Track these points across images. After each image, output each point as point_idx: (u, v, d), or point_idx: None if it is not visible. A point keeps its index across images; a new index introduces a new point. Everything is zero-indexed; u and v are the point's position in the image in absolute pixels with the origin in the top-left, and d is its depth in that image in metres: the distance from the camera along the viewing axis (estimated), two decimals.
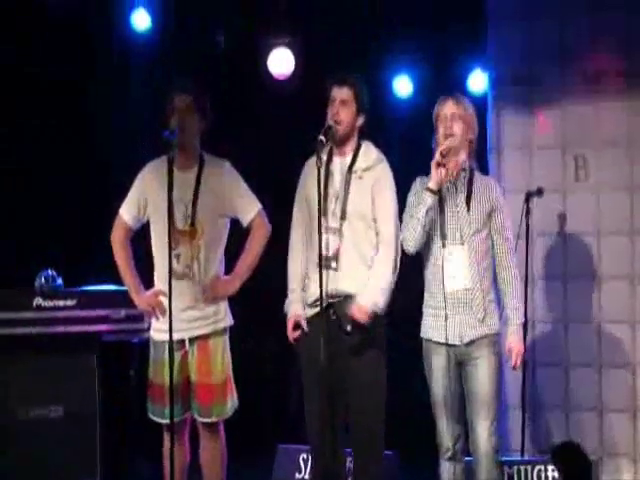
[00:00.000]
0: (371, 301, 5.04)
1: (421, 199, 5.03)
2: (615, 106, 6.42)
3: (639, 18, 6.33)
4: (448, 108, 5.09)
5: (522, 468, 5.84)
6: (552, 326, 6.50)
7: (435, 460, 5.15)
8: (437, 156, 5.00)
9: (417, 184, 5.17)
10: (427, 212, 5.00)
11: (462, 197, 5.07)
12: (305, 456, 5.96)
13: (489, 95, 6.77)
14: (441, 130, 5.08)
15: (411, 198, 5.15)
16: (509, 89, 6.68)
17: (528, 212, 6.30)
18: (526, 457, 6.16)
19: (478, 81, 6.96)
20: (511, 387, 6.39)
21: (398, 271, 5.12)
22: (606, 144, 6.43)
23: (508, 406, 6.38)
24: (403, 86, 7.16)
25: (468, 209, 5.06)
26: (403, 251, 5.11)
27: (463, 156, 5.10)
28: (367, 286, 5.06)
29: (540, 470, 5.83)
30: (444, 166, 5.00)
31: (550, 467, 5.81)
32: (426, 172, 5.20)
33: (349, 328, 5.02)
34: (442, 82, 6.84)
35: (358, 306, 5.03)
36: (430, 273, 5.10)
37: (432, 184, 5.01)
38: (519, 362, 5.09)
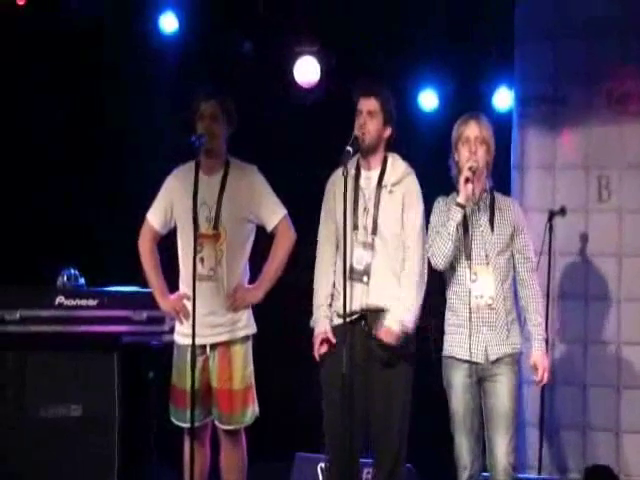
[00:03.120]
0: (398, 321, 5.05)
1: (448, 216, 5.05)
2: (638, 127, 6.44)
3: None
4: (472, 131, 5.10)
5: None
6: (571, 346, 6.51)
7: (450, 475, 5.16)
8: (466, 172, 5.02)
9: (440, 204, 5.19)
10: (457, 228, 5.03)
11: (485, 218, 5.10)
12: (323, 465, 5.96)
13: (514, 113, 6.79)
14: (465, 153, 5.09)
15: (435, 217, 5.16)
16: (534, 108, 6.71)
17: (551, 231, 6.32)
18: (543, 475, 6.17)
19: (503, 98, 6.97)
20: (528, 405, 6.40)
21: (425, 286, 5.14)
22: (629, 166, 6.47)
23: (525, 424, 6.39)
24: (428, 100, 7.17)
25: (492, 230, 5.09)
26: (431, 267, 5.13)
27: (484, 177, 5.13)
28: (393, 306, 5.07)
29: None
30: (473, 182, 5.02)
31: None
32: (449, 187, 5.24)
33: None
34: (467, 97, 6.86)
35: (386, 329, 5.05)
36: (454, 292, 5.12)
37: (462, 199, 5.03)
38: (546, 378, 5.11)
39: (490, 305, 5.04)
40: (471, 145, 5.07)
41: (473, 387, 5.05)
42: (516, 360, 5.09)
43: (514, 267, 5.14)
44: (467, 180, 5.02)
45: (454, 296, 5.12)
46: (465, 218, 5.06)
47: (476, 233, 5.08)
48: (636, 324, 6.36)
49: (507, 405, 5.01)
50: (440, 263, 5.07)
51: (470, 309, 5.04)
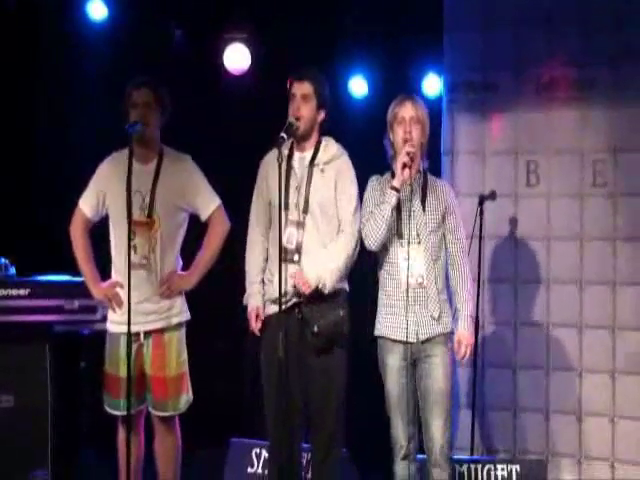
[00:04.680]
0: (316, 275, 5.07)
1: (383, 199, 5.09)
2: (566, 115, 6.54)
3: (591, 30, 6.45)
4: (407, 111, 5.16)
5: (472, 467, 5.95)
6: (501, 328, 6.59)
7: (384, 459, 5.21)
8: (405, 157, 5.06)
9: (374, 182, 5.24)
10: (392, 211, 5.07)
11: (417, 198, 5.15)
12: (258, 451, 5.98)
13: (444, 100, 6.84)
14: (400, 132, 5.14)
15: (368, 195, 5.21)
16: (464, 94, 6.76)
17: (482, 215, 6.39)
18: (476, 456, 6.26)
19: (432, 85, 7.03)
20: (459, 387, 6.47)
21: (354, 261, 5.19)
22: (557, 151, 6.55)
23: (456, 406, 6.44)
24: (358, 86, 7.20)
25: (424, 210, 5.14)
26: (363, 247, 5.17)
27: (418, 158, 5.18)
28: (317, 262, 5.09)
29: (490, 469, 5.95)
30: (410, 167, 5.06)
31: (500, 466, 5.93)
32: (380, 171, 5.28)
33: (316, 329, 5.06)
34: (397, 84, 6.90)
35: (301, 275, 5.07)
36: (386, 272, 5.18)
37: (397, 183, 5.08)
38: (468, 353, 5.17)
39: (421, 284, 5.09)
40: (406, 125, 5.12)
41: (408, 369, 5.10)
42: (448, 339, 5.15)
43: (445, 248, 5.20)
44: (404, 165, 5.05)
45: (386, 275, 5.17)
46: (398, 199, 5.10)
47: (408, 213, 5.12)
48: (564, 306, 6.46)
49: (442, 385, 5.08)
50: (373, 244, 5.11)
51: (402, 288, 5.08)
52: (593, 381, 6.36)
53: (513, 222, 6.61)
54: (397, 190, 5.08)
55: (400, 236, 5.12)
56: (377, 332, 5.18)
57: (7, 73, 6.71)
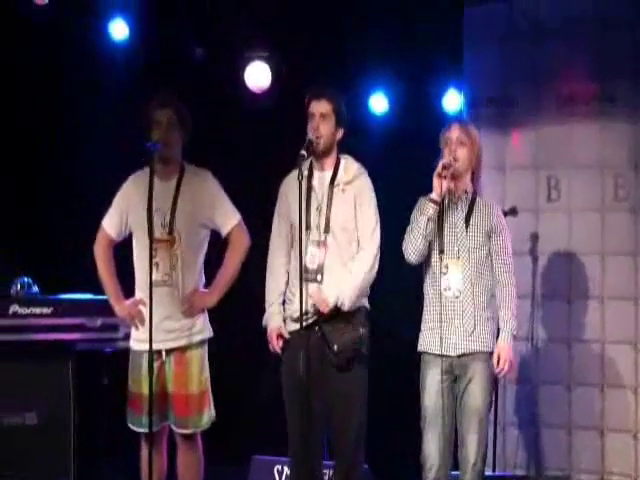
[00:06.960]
0: (335, 294, 5.09)
1: (421, 211, 5.12)
2: (587, 128, 6.53)
3: (612, 43, 6.45)
4: (454, 132, 5.19)
5: None
6: (521, 343, 6.47)
7: (406, 475, 5.20)
8: (439, 167, 5.08)
9: (420, 202, 5.24)
10: (428, 222, 5.08)
11: (461, 216, 5.17)
12: (280, 467, 6.00)
13: (464, 115, 6.84)
14: (446, 152, 5.17)
15: (414, 214, 5.21)
16: (484, 110, 6.78)
17: None
18: (498, 472, 6.25)
19: (453, 100, 7.04)
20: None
21: (373, 279, 5.19)
22: (578, 166, 6.54)
23: None
24: (379, 103, 7.22)
25: (466, 227, 5.16)
26: (403, 260, 5.18)
27: (466, 180, 5.21)
28: (338, 281, 5.10)
29: None
30: (445, 178, 5.07)
31: None
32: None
33: (336, 348, 5.06)
34: (417, 100, 6.94)
35: (319, 294, 5.09)
36: (428, 284, 5.21)
37: (434, 195, 5.10)
38: (507, 368, 5.12)
39: (457, 297, 5.09)
40: (452, 145, 5.15)
41: (447, 386, 5.08)
42: (489, 357, 5.10)
43: (492, 267, 5.19)
44: (439, 175, 5.06)
45: (428, 288, 5.20)
46: (442, 213, 5.12)
47: (450, 229, 5.15)
48: (585, 321, 6.43)
49: (480, 403, 5.07)
50: (412, 257, 5.14)
51: (440, 301, 5.09)
52: (616, 397, 6.34)
53: (534, 237, 6.60)
54: (434, 202, 5.09)
55: (441, 251, 5.14)
56: (419, 347, 5.19)
57: (30, 93, 6.77)
